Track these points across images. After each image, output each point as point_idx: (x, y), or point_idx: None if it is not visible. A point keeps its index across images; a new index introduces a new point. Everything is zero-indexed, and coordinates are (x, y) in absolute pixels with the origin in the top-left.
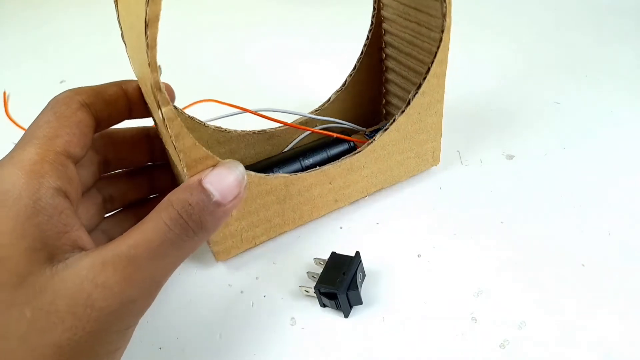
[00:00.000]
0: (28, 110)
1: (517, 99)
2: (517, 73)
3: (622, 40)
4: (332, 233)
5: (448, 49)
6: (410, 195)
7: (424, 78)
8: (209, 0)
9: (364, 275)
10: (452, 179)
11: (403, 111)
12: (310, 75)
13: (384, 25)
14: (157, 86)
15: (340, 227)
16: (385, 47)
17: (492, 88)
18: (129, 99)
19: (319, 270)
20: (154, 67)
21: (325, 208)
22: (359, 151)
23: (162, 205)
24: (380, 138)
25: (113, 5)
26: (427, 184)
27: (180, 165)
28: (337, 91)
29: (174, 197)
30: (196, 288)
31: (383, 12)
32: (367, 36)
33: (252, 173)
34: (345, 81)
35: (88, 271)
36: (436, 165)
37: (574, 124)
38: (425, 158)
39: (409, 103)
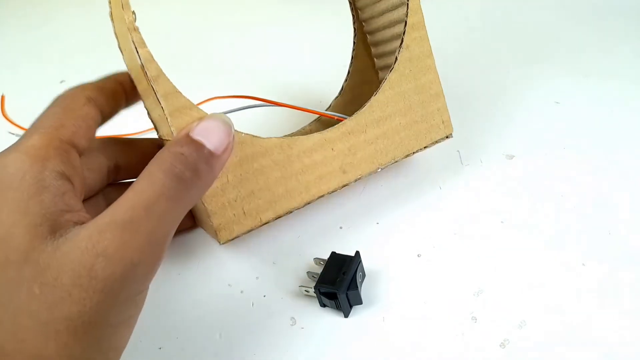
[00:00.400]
0: (28, 110)
1: (517, 99)
2: (517, 72)
3: (622, 40)
4: (332, 233)
5: None
6: (411, 195)
7: (404, 32)
8: (209, 0)
9: (364, 275)
10: (452, 179)
11: (392, 69)
12: (312, 75)
13: (365, 27)
14: (131, 26)
15: (340, 227)
16: (373, 47)
17: (492, 88)
18: (125, 90)
19: (319, 270)
20: (127, 7)
21: (333, 179)
22: (357, 112)
23: (154, 161)
24: (375, 98)
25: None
26: (427, 184)
27: (167, 124)
28: (335, 98)
29: (164, 153)
30: (196, 288)
31: (361, 15)
32: (353, 41)
33: (242, 132)
34: (342, 87)
35: (87, 242)
36: (449, 133)
37: (574, 124)
38: (434, 123)
39: (396, 60)
